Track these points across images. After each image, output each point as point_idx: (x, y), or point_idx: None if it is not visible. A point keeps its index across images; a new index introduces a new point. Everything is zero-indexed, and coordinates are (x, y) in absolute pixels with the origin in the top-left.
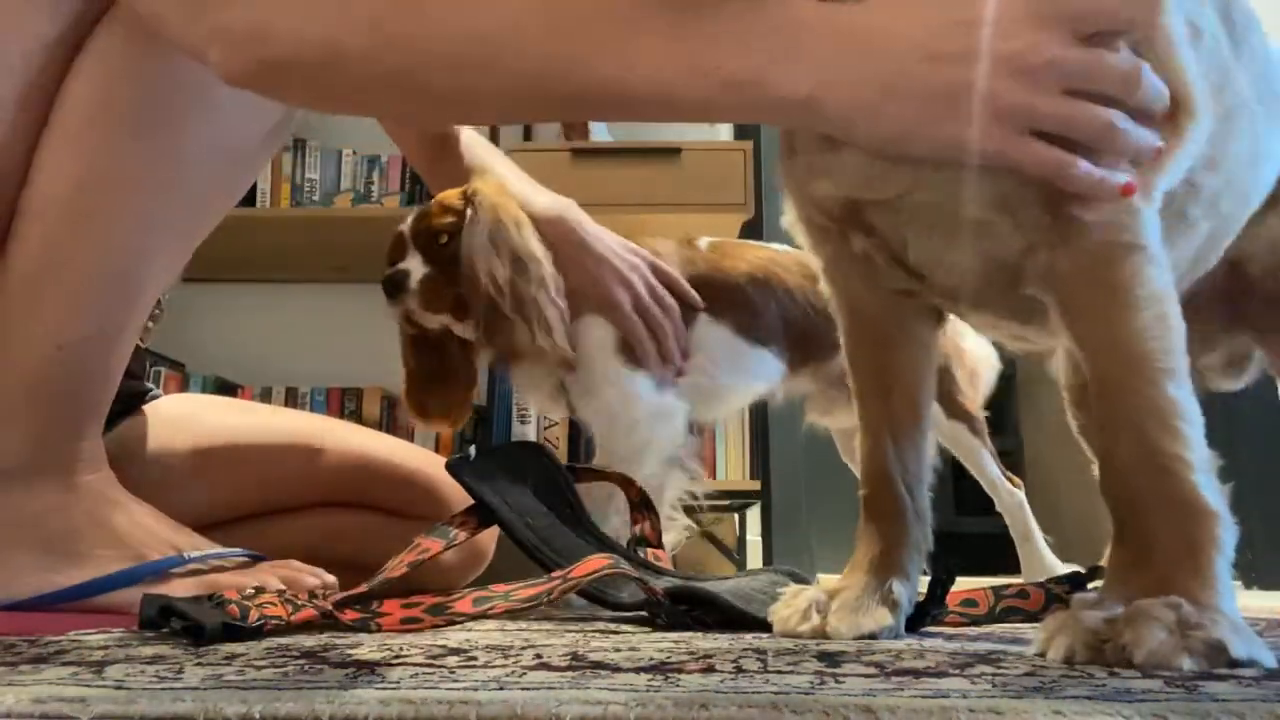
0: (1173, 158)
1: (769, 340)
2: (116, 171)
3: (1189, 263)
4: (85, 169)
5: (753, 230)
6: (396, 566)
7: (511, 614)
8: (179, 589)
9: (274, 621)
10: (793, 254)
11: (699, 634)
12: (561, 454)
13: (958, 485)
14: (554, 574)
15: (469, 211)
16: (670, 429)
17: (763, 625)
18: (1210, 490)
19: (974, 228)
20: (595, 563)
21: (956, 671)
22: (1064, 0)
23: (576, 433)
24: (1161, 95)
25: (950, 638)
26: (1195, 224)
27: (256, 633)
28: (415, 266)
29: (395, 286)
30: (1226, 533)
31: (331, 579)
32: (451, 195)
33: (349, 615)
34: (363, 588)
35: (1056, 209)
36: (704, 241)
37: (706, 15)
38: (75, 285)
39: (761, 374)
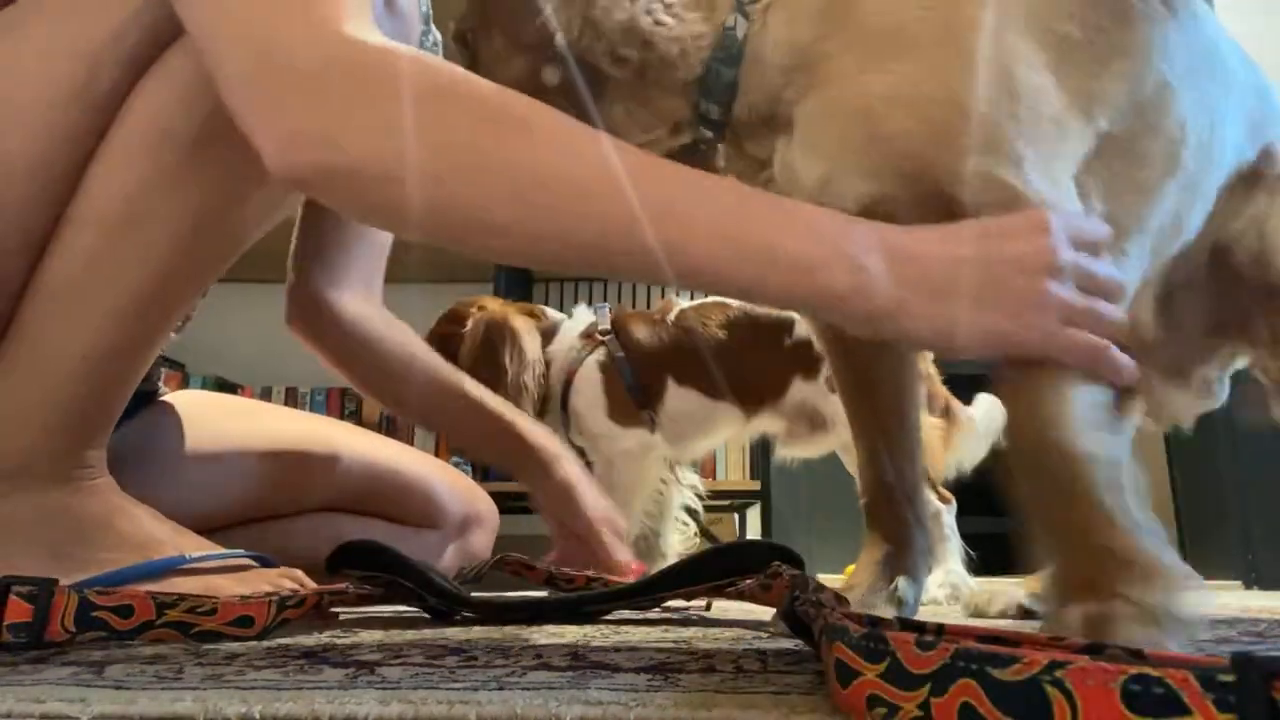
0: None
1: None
2: (167, 193)
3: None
4: (137, 186)
5: None
6: None
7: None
8: (179, 589)
9: None
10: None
11: (699, 634)
12: None
13: (958, 486)
14: None
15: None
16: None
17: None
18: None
19: None
20: None
21: None
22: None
23: None
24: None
25: None
26: (1149, 184)
27: None
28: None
29: None
30: (1101, 471)
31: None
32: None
33: None
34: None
35: (938, 209)
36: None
37: (770, 202)
38: (115, 298)
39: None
